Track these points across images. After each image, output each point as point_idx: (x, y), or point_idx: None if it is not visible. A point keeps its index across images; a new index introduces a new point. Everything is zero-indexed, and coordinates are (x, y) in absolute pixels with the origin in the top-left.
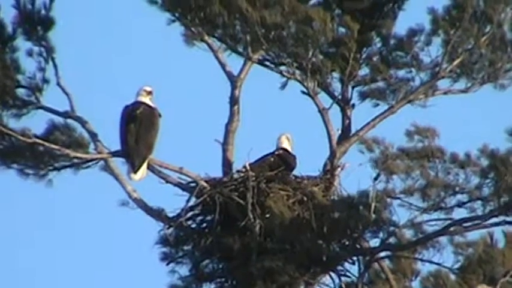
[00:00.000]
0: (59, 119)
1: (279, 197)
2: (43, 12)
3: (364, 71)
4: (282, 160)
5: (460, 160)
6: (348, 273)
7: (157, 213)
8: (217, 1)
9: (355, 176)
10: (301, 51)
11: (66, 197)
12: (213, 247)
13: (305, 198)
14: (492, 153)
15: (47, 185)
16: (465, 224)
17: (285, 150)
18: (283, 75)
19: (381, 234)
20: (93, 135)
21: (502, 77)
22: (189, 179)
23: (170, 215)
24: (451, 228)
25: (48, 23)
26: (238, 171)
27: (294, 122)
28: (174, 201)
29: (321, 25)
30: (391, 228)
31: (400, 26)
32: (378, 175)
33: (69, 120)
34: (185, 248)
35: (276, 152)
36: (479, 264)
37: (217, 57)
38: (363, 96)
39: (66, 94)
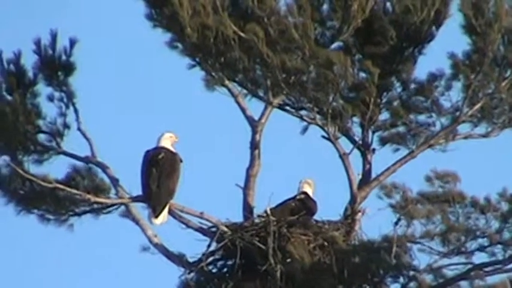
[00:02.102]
0: (79, 164)
1: (299, 241)
2: (64, 57)
3: (384, 115)
4: (303, 205)
5: (480, 204)
6: None
7: (178, 258)
8: (238, 46)
9: (376, 221)
10: (321, 95)
11: (87, 242)
12: None
13: (326, 243)
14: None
15: (67, 229)
16: (486, 269)
17: (306, 194)
18: (304, 120)
19: (401, 279)
20: (114, 181)
21: None
22: (210, 224)
23: (191, 260)
24: (472, 273)
25: (68, 68)
26: (259, 216)
27: (314, 167)
28: (195, 246)
29: (342, 69)
30: (412, 273)
31: (421, 71)
32: (399, 220)
33: (91, 165)
34: None
35: (297, 197)
36: None
37: (237, 102)
38: (384, 141)
39: (87, 139)
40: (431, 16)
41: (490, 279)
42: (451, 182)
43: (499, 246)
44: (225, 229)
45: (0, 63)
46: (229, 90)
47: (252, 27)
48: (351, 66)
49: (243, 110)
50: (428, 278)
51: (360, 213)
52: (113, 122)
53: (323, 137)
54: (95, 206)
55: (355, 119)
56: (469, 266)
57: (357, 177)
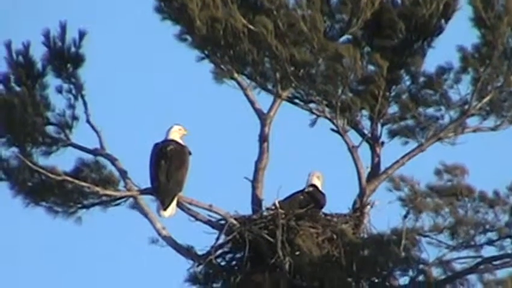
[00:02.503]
0: (88, 156)
1: (308, 234)
2: (73, 49)
3: (393, 108)
4: (312, 198)
5: (489, 198)
6: None
7: (186, 251)
8: (247, 39)
9: (385, 214)
10: (330, 88)
11: (96, 235)
12: (242, 285)
13: (334, 236)
14: None
15: (76, 222)
16: (494, 262)
17: (315, 187)
18: (313, 113)
19: (410, 272)
20: (123, 173)
21: None
22: (219, 217)
23: (200, 252)
24: (481, 266)
25: (77, 60)
26: (267, 209)
27: (323, 160)
28: (203, 239)
29: (351, 62)
30: (421, 266)
31: (430, 64)
32: (408, 213)
33: (99, 158)
34: (215, 285)
35: (306, 190)
36: None
37: (246, 95)
38: (392, 134)
39: (96, 131)
40: (440, 9)
41: (499, 273)
42: (460, 175)
43: (508, 240)
44: (234, 222)
45: (9, 55)
46: (238, 83)
47: (261, 19)
48: (360, 59)
49: (252, 103)
50: (437, 271)
51: (368, 206)
52: (121, 114)
53: (332, 130)
54: (104, 198)
55: (364, 112)
56: (478, 260)
57: (365, 170)
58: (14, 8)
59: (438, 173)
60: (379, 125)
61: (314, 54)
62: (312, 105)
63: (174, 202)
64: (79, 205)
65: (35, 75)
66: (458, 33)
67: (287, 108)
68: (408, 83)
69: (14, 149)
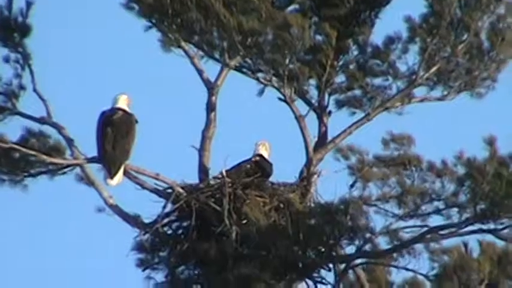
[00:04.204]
0: (35, 126)
1: (255, 203)
2: (20, 18)
3: (340, 78)
4: (259, 167)
5: (436, 168)
6: (324, 281)
7: (133, 220)
8: (195, 7)
9: (332, 183)
10: (278, 58)
11: (42, 203)
12: (189, 253)
13: (281, 205)
14: (469, 161)
15: (22, 190)
16: (441, 232)
17: (262, 157)
18: (260, 82)
19: (357, 241)
20: (70, 141)
21: (478, 85)
22: (166, 185)
23: (146, 221)
24: (427, 236)
25: (25, 29)
26: (214, 178)
27: (270, 129)
28: (150, 208)
29: (300, 31)
30: (367, 235)
31: (377, 34)
32: (354, 182)
33: (45, 127)
34: (161, 254)
35: (253, 159)
36: (455, 272)
37: (194, 64)
38: (340, 103)
39: (43, 100)
40: None
41: (446, 242)
42: (407, 145)
43: (455, 209)
44: (181, 190)
45: None
46: (185, 51)
47: None
48: (308, 28)
49: (200, 72)
50: (384, 240)
51: (315, 176)
52: (68, 83)
53: (279, 99)
54: (50, 167)
55: (311, 81)
56: (425, 229)
57: (312, 139)
58: None
59: (385, 142)
60: (326, 95)
61: (262, 23)
62: (259, 74)
63: (121, 170)
64: (26, 173)
65: None
66: (406, 4)
67: (234, 78)
68: (356, 53)
69: None
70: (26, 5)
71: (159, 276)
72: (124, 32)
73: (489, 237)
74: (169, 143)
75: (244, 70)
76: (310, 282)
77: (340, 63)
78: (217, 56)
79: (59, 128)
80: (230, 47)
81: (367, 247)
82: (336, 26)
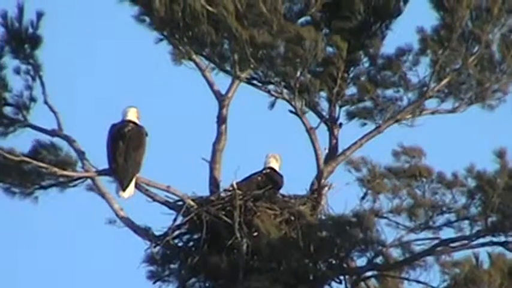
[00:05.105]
0: (45, 138)
1: (266, 216)
2: (30, 30)
3: (351, 90)
4: (270, 179)
5: (447, 180)
6: None
7: (144, 232)
8: (206, 20)
9: (342, 195)
10: (289, 70)
11: (53, 216)
12: (199, 266)
13: (292, 218)
14: (479, 174)
15: (32, 202)
16: (452, 244)
17: (273, 169)
18: (271, 95)
19: (368, 254)
20: (81, 154)
21: (489, 97)
22: (176, 198)
23: (157, 233)
24: (438, 248)
25: (35, 41)
26: (225, 190)
27: (281, 141)
28: (161, 220)
29: (312, 45)
30: (378, 248)
31: (389, 46)
32: (365, 194)
33: (56, 139)
34: (172, 266)
35: (264, 171)
36: (466, 284)
37: (205, 76)
38: (350, 115)
39: (54, 112)
40: None
41: (457, 255)
42: (417, 157)
43: (466, 221)
44: (191, 203)
45: None
46: (196, 64)
47: (221, 0)
48: (321, 41)
49: (210, 84)
50: (395, 252)
51: (326, 188)
52: (79, 95)
53: (290, 111)
54: (61, 179)
55: (322, 93)
56: (436, 242)
57: (323, 151)
58: None
59: (396, 154)
60: (337, 107)
61: (273, 35)
62: (270, 86)
63: (132, 183)
64: (37, 186)
65: None
66: (417, 15)
67: (245, 90)
68: (367, 64)
69: None
70: (37, 16)
71: None
72: (135, 44)
73: (499, 249)
74: (180, 156)
75: (255, 82)
76: None
77: (351, 75)
78: (228, 68)
79: (70, 141)
80: (241, 59)
81: (378, 259)
82: (347, 38)
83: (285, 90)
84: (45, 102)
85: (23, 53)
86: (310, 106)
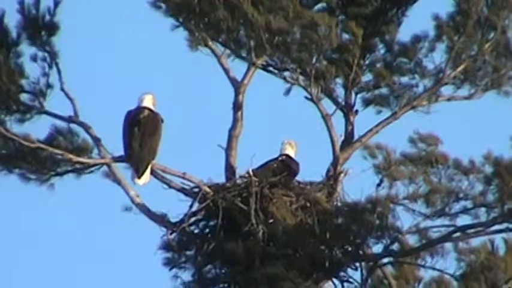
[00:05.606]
0: (61, 124)
1: (282, 202)
2: (47, 17)
3: (367, 77)
4: (285, 166)
5: (463, 166)
6: (350, 279)
7: (160, 219)
8: (222, 6)
9: (358, 182)
10: (305, 56)
11: (69, 202)
12: (215, 252)
13: (308, 204)
14: (496, 160)
15: (48, 188)
16: (468, 231)
17: (288, 156)
18: (287, 81)
19: (384, 240)
20: (97, 140)
21: (505, 83)
22: (192, 184)
23: (173, 220)
24: (455, 235)
25: (52, 28)
26: (241, 177)
27: (297, 128)
28: (177, 207)
29: (327, 31)
30: (395, 234)
31: (404, 32)
32: (381, 181)
33: (73, 125)
34: (188, 253)
35: (280, 158)
36: (482, 271)
37: (221, 63)
38: (366, 102)
39: (70, 99)
40: None
41: (473, 242)
42: (434, 143)
43: (483, 208)
44: (207, 190)
45: None
46: (212, 50)
47: None
48: (335, 27)
49: (226, 71)
50: (411, 239)
51: (342, 175)
52: (96, 82)
53: (306, 98)
54: (77, 166)
55: (338, 80)
56: (452, 228)
57: (339, 138)
58: None
59: (412, 141)
60: (353, 93)
61: (289, 22)
62: (286, 73)
63: (148, 170)
64: (52, 172)
65: (9, 43)
66: (433, 2)
67: (261, 76)
68: (383, 51)
69: None
70: (54, 3)
71: (186, 275)
72: (151, 31)
73: None
74: (196, 142)
75: (271, 69)
76: (336, 281)
77: (367, 61)
78: (244, 54)
79: (86, 127)
80: (257, 45)
81: (394, 246)
82: (363, 24)
83: (300, 77)
84: (62, 89)
85: (40, 40)
86: (326, 93)
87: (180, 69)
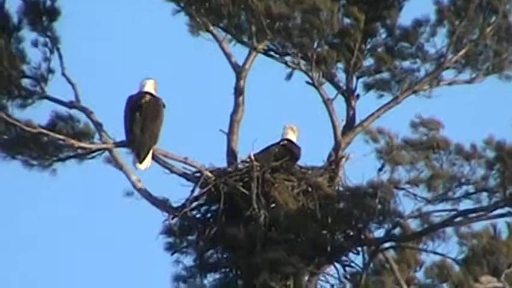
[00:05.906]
0: (63, 110)
1: (283, 187)
2: (48, 2)
3: (369, 61)
4: (287, 150)
5: (465, 151)
6: (352, 264)
7: (162, 204)
8: None
9: (360, 167)
10: (306, 41)
11: (71, 188)
12: (217, 237)
13: (310, 189)
14: (498, 144)
15: (50, 174)
16: (470, 215)
17: (290, 140)
18: (288, 66)
19: (385, 225)
20: (98, 126)
21: (507, 67)
22: (194, 169)
23: (175, 205)
24: (456, 219)
25: (53, 13)
26: (243, 162)
27: (298, 113)
28: (178, 191)
29: (329, 15)
30: (396, 219)
31: (406, 17)
32: (383, 166)
33: (74, 111)
34: (190, 238)
35: (281, 143)
36: (484, 255)
37: (222, 48)
38: (368, 86)
39: (71, 84)
40: None
41: (474, 226)
42: (435, 129)
43: (485, 193)
44: (209, 174)
45: None
46: (213, 35)
47: None
48: (337, 12)
49: (228, 56)
50: (413, 224)
51: (343, 159)
52: (97, 67)
53: (307, 82)
54: (79, 151)
55: (339, 64)
56: (454, 213)
57: (341, 123)
58: None
59: (414, 126)
60: (354, 78)
61: (290, 6)
62: (287, 58)
63: (150, 155)
64: (54, 158)
65: (10, 29)
66: None
67: (262, 61)
68: (384, 35)
69: None
70: None
71: (188, 260)
72: (152, 16)
73: None
74: (198, 127)
75: (272, 54)
76: (338, 266)
77: (369, 46)
78: (245, 39)
79: (87, 112)
80: (258, 30)
81: (396, 231)
82: (364, 9)
83: (302, 62)
84: (63, 74)
85: (41, 25)
86: (327, 77)
87: (182, 54)
